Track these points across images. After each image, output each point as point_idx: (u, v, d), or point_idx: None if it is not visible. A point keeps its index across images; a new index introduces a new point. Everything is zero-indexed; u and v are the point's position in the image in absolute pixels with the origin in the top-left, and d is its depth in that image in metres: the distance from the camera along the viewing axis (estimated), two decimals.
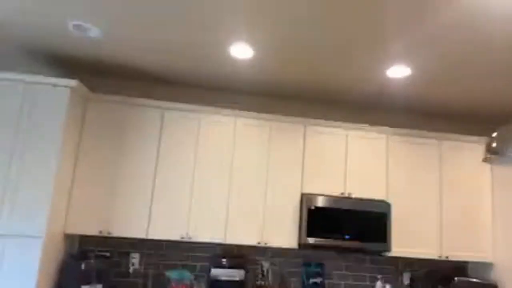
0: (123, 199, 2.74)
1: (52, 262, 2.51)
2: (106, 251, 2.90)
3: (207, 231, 2.78)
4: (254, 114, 2.99)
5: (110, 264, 2.81)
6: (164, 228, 2.74)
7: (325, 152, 3.02)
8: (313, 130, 3.04)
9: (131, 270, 2.93)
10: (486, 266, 3.04)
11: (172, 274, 2.82)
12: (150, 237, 2.72)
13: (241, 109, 3.03)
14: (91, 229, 2.67)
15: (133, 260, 2.94)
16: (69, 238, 2.75)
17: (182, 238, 2.75)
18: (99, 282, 2.58)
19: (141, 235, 2.71)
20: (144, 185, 2.78)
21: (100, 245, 2.93)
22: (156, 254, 2.99)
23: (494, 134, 1.31)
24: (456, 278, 2.99)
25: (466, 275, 3.11)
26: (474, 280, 2.98)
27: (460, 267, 3.23)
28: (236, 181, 2.88)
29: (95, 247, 2.92)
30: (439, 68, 2.46)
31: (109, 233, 2.68)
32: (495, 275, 2.96)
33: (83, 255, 2.75)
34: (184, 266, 2.99)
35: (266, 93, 3.26)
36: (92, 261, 2.63)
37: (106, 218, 2.69)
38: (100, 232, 2.67)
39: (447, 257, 2.96)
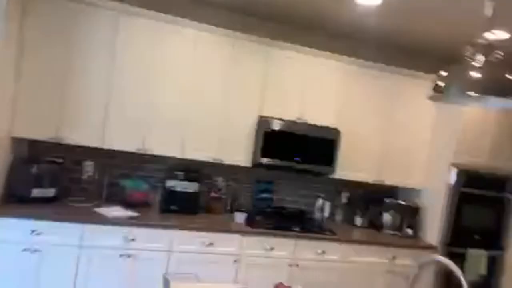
0: (76, 105, 2.62)
1: None
2: (58, 157, 2.86)
3: (164, 145, 2.81)
4: (217, 29, 2.85)
5: (63, 170, 2.80)
6: (120, 138, 2.71)
7: (286, 76, 3.03)
8: (277, 52, 2.99)
9: (85, 177, 2.94)
10: (413, 191, 3.46)
11: (127, 183, 2.89)
12: (106, 146, 2.70)
13: (204, 22, 2.85)
14: (41, 134, 2.57)
15: (87, 168, 2.94)
16: (17, 142, 2.64)
17: (139, 150, 2.76)
18: (51, 186, 2.59)
19: (96, 143, 2.68)
20: (98, 92, 2.65)
21: (51, 151, 2.86)
22: (111, 164, 3.01)
23: (441, 73, 1.39)
24: (386, 200, 3.42)
25: (395, 198, 3.55)
26: (402, 202, 3.42)
27: (392, 191, 3.65)
28: (194, 96, 2.84)
29: (46, 153, 2.85)
30: None
31: (61, 140, 2.61)
32: (420, 199, 3.41)
33: (33, 159, 2.69)
34: (139, 177, 3.05)
35: (234, 7, 3.06)
36: (43, 165, 2.59)
37: (58, 124, 2.59)
38: (51, 138, 2.59)
39: (382, 181, 3.31)
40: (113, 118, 2.69)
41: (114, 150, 2.91)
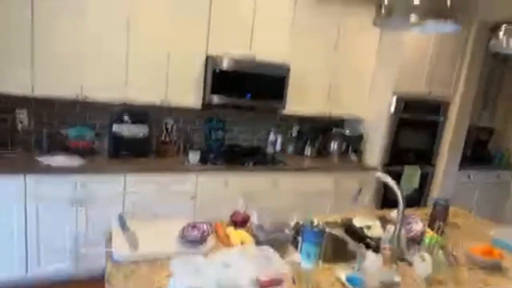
0: None
1: None
2: None
3: (105, 90, 2.62)
4: None
5: None
6: (53, 84, 2.47)
7: (233, 8, 2.88)
8: None
9: (19, 128, 2.71)
10: (358, 121, 3.67)
11: (70, 132, 2.72)
12: (37, 94, 2.46)
13: None
14: None
15: (20, 117, 2.69)
16: None
17: (77, 96, 2.56)
18: None
19: (25, 91, 2.43)
20: (20, 31, 2.34)
21: None
22: (48, 113, 2.78)
23: None
24: (333, 129, 3.60)
25: (342, 127, 3.75)
26: (347, 131, 3.63)
27: (338, 122, 3.84)
28: (136, 35, 2.63)
29: None
30: None
31: None
32: (363, 127, 3.64)
33: None
34: (82, 125, 2.88)
35: None
36: None
37: None
38: None
39: (330, 113, 3.45)
40: (41, 61, 2.42)
41: (49, 98, 2.68)
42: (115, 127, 2.71)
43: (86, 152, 2.72)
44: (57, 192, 2.36)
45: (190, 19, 2.76)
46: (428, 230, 1.75)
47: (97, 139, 2.84)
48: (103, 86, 2.60)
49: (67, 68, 2.49)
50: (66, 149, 2.68)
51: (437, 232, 1.73)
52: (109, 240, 1.43)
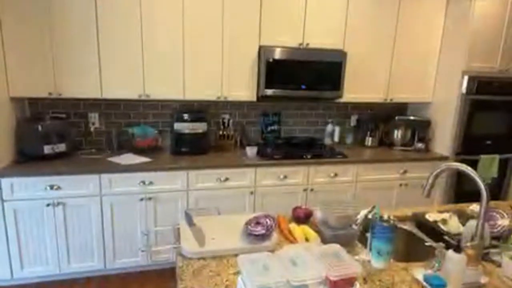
0: (67, 56, 2.50)
1: (3, 129, 2.42)
2: (61, 113, 2.82)
3: (165, 88, 2.73)
4: None
5: (69, 125, 2.78)
6: (119, 87, 2.64)
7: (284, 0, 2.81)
8: None
9: (92, 129, 2.93)
10: (424, 105, 3.40)
11: (135, 130, 2.88)
12: (105, 96, 2.63)
13: None
14: (39, 91, 2.51)
15: (93, 120, 2.92)
16: (16, 102, 2.59)
17: (140, 96, 2.70)
18: (61, 141, 2.59)
19: (95, 95, 2.61)
20: (88, 41, 2.51)
21: (53, 108, 2.83)
22: (115, 113, 2.98)
23: None
24: (396, 117, 3.38)
25: (405, 115, 3.50)
26: (412, 117, 3.38)
27: (401, 108, 3.59)
28: (190, 34, 2.69)
29: (48, 110, 2.82)
30: None
31: (60, 95, 2.55)
32: (430, 113, 3.36)
33: (36, 118, 2.66)
34: (146, 124, 3.03)
35: None
36: (48, 122, 2.57)
37: (53, 78, 2.51)
38: (50, 94, 2.53)
39: (391, 99, 3.24)
40: (108, 66, 2.58)
41: (116, 100, 2.86)
42: (176, 125, 2.81)
43: (151, 150, 2.86)
44: (127, 188, 2.52)
45: (242, 11, 2.75)
46: None
47: (160, 137, 2.98)
48: (163, 85, 2.71)
49: (130, 70, 2.63)
50: (133, 147, 2.85)
51: None
52: (177, 236, 1.48)
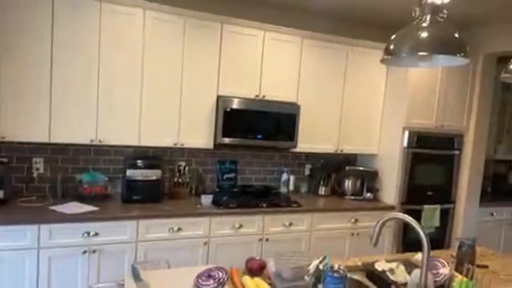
0: (14, 98, 2.40)
1: None
2: (2, 156, 2.63)
3: (119, 134, 2.67)
4: (166, 7, 2.70)
5: (10, 170, 2.58)
6: (70, 131, 2.54)
7: (242, 53, 2.97)
8: (230, 29, 2.91)
9: (35, 175, 2.75)
10: (371, 157, 3.62)
11: (84, 177, 2.74)
12: (53, 140, 2.51)
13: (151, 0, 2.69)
14: None
15: (37, 165, 2.74)
16: None
17: (92, 141, 2.61)
18: None
19: (42, 139, 2.49)
20: (40, 83, 2.44)
21: None
22: (63, 158, 2.83)
23: (393, 37, 1.43)
24: (347, 167, 3.55)
25: (355, 165, 3.69)
26: (361, 168, 3.57)
27: (351, 158, 3.79)
28: (148, 81, 2.71)
29: None
30: None
31: (2, 138, 2.39)
32: (377, 164, 3.58)
33: None
34: (95, 170, 2.91)
35: None
36: None
37: None
38: None
39: (342, 150, 3.42)
40: (59, 110, 2.50)
41: (65, 144, 2.74)
42: (129, 172, 2.72)
43: (100, 198, 2.72)
44: (69, 240, 2.33)
45: (201, 63, 2.85)
46: (457, 274, 1.65)
47: (110, 184, 2.85)
48: (117, 131, 2.66)
49: (83, 115, 2.56)
50: (80, 195, 2.69)
51: (466, 276, 1.62)
52: None
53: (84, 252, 2.36)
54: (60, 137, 2.52)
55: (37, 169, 2.75)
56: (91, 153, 2.90)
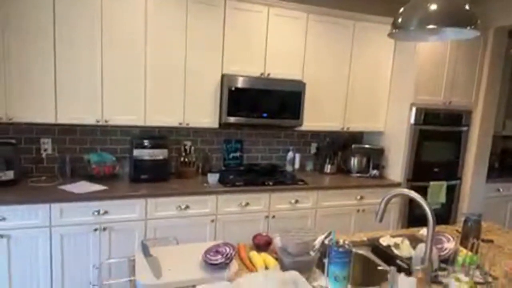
0: (19, 79, 2.40)
1: None
2: (11, 138, 2.66)
3: (125, 114, 2.68)
4: None
5: (19, 151, 2.62)
6: (76, 111, 2.55)
7: (246, 30, 2.92)
8: (233, 6, 2.85)
9: (44, 156, 2.79)
10: (377, 134, 3.60)
11: (92, 157, 2.77)
12: (60, 121, 2.53)
13: None
14: None
15: (45, 146, 2.78)
16: None
17: (98, 122, 2.62)
18: (8, 168, 2.43)
19: (49, 120, 2.51)
20: (43, 63, 2.44)
21: (2, 133, 2.66)
22: (70, 139, 2.86)
23: (401, 10, 1.39)
24: (353, 145, 3.54)
25: (361, 143, 3.68)
26: (367, 146, 3.56)
27: (357, 136, 3.78)
28: (152, 61, 2.69)
29: None
30: None
31: (10, 119, 2.41)
32: (384, 142, 3.56)
33: None
34: (103, 150, 2.94)
35: None
36: None
37: (4, 103, 2.38)
38: (0, 118, 2.39)
39: (348, 128, 3.40)
40: (64, 90, 2.51)
41: (71, 125, 2.75)
42: (136, 152, 2.75)
43: (108, 177, 2.76)
44: (80, 219, 2.39)
45: (204, 41, 2.81)
46: (461, 248, 1.66)
47: (118, 164, 2.88)
48: (123, 110, 2.66)
49: (88, 95, 2.57)
50: (89, 175, 2.73)
51: (471, 250, 1.64)
52: (132, 268, 1.42)
53: (95, 229, 2.42)
54: (66, 118, 2.54)
55: (45, 149, 2.78)
56: (98, 133, 2.93)
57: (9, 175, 2.44)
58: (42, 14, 2.39)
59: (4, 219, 2.21)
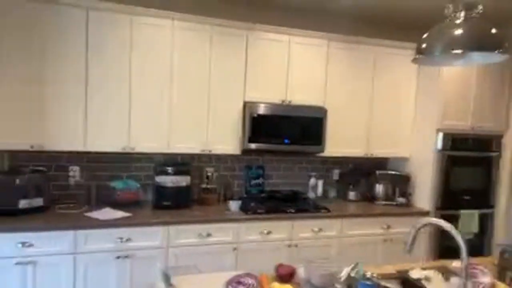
0: (53, 109, 2.52)
1: None
2: (41, 165, 2.77)
3: (150, 141, 2.75)
4: (193, 17, 2.77)
5: (48, 178, 2.71)
6: (104, 139, 2.64)
7: (268, 58, 2.99)
8: (256, 36, 2.93)
9: (71, 183, 2.87)
10: (402, 160, 3.51)
11: (117, 184, 2.83)
12: (89, 149, 2.63)
13: (179, 10, 2.76)
14: (21, 144, 2.48)
15: (73, 173, 2.87)
16: None
17: (124, 149, 2.70)
18: (38, 195, 2.51)
19: (78, 148, 2.60)
20: (74, 94, 2.56)
21: (33, 160, 2.78)
22: (97, 167, 2.94)
23: (425, 35, 1.38)
24: (377, 172, 3.45)
25: (385, 169, 3.59)
26: (392, 172, 3.46)
27: (382, 163, 3.69)
28: (177, 89, 2.78)
29: (29, 163, 2.76)
30: None
31: (41, 148, 2.52)
32: (409, 168, 3.46)
33: (15, 171, 2.60)
34: (128, 177, 2.99)
35: None
36: (26, 176, 2.50)
37: (37, 131, 2.50)
38: (32, 147, 2.50)
39: (372, 154, 3.34)
40: (93, 119, 2.61)
41: (98, 153, 2.84)
42: (158, 179, 2.79)
43: (132, 204, 2.79)
44: (104, 246, 2.41)
45: (227, 70, 2.89)
46: (498, 282, 1.55)
47: (142, 191, 2.92)
48: (148, 138, 2.73)
49: (116, 124, 2.66)
50: (113, 202, 2.77)
51: (509, 285, 1.52)
52: None
53: (118, 257, 2.43)
54: (95, 145, 2.63)
55: (74, 176, 2.87)
56: (123, 160, 3.00)
57: (39, 202, 2.52)
58: (73, 45, 2.53)
59: (31, 245, 2.26)
